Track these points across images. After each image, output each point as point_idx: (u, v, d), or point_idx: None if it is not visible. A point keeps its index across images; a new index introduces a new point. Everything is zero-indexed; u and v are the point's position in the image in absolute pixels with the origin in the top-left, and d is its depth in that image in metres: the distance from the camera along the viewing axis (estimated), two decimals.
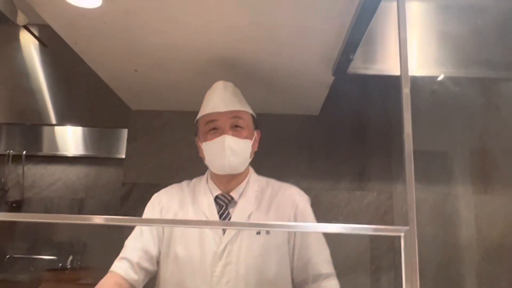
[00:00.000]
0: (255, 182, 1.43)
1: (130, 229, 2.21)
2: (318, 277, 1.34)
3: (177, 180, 2.25)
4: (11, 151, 3.10)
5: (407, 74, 0.81)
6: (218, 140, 1.33)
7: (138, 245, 1.36)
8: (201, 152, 1.43)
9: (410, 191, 0.83)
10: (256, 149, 1.43)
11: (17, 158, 3.11)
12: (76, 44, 1.56)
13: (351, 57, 1.45)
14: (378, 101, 2.28)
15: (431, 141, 2.27)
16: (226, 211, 1.37)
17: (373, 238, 2.24)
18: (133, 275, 1.32)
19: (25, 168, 3.10)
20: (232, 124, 1.36)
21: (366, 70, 1.63)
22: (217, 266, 1.30)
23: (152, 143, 2.31)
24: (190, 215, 1.37)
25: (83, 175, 3.13)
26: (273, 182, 1.46)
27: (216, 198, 1.39)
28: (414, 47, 1.54)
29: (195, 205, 1.40)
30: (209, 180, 1.44)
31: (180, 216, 1.38)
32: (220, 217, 1.36)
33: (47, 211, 3.07)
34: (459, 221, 2.24)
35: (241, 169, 1.38)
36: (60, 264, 2.91)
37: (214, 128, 1.36)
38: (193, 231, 1.34)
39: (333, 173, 2.31)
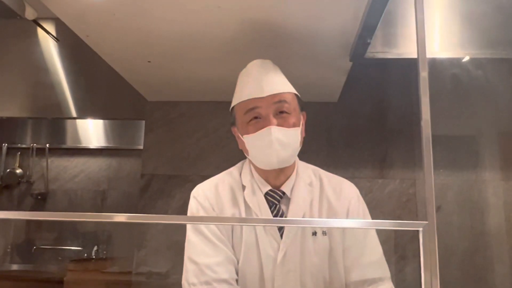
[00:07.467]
0: (304, 172, 1.27)
1: (153, 223, 2.22)
2: (363, 283, 1.19)
3: (195, 170, 2.25)
4: (35, 144, 3.17)
5: (425, 56, 0.76)
6: (262, 133, 1.14)
7: (221, 258, 1.17)
8: (241, 144, 1.24)
9: (429, 182, 0.72)
10: (304, 134, 1.23)
11: (41, 151, 3.18)
12: (88, 37, 1.55)
13: (368, 41, 1.39)
14: (398, 86, 2.20)
15: (457, 126, 2.18)
16: (280, 210, 1.22)
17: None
18: None
19: (49, 160, 3.16)
20: (276, 110, 1.16)
21: (385, 54, 1.55)
22: (279, 275, 1.17)
23: (169, 133, 2.30)
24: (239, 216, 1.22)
25: (104, 166, 3.17)
26: (321, 173, 1.31)
27: (266, 195, 1.22)
28: (436, 28, 1.46)
29: (243, 204, 1.23)
30: (254, 173, 1.25)
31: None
32: (274, 217, 1.21)
33: (71, 202, 3.13)
34: (487, 208, 2.15)
35: (292, 161, 1.22)
36: (86, 254, 2.97)
37: (255, 117, 1.17)
38: (248, 234, 1.20)
39: (354, 161, 2.25)
